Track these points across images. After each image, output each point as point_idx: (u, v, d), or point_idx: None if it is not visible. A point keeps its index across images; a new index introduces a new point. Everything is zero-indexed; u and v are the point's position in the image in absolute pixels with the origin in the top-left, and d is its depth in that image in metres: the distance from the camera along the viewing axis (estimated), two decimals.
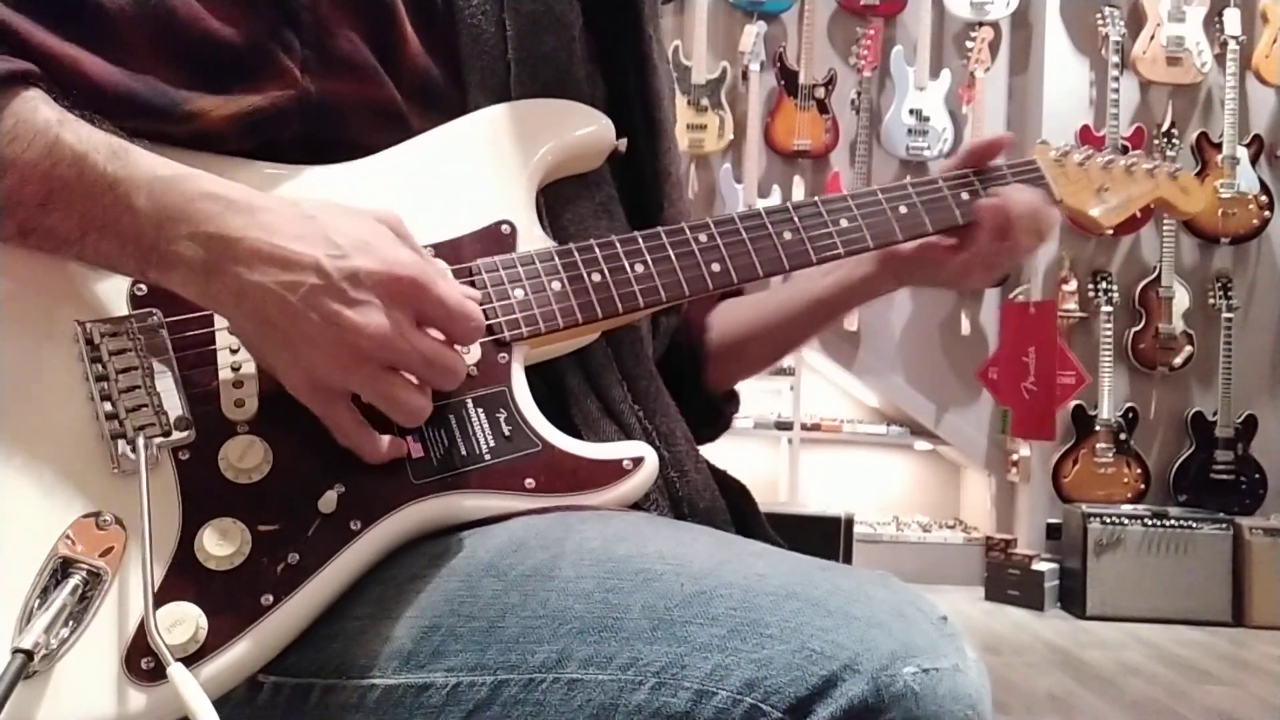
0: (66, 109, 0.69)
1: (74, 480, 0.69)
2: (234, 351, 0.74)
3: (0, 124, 0.67)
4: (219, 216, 0.68)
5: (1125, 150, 4.72)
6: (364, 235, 0.69)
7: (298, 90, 0.79)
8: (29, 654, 0.63)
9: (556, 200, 0.88)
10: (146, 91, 0.74)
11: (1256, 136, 4.90)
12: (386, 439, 0.73)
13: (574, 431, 0.82)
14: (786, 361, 5.15)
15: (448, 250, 0.81)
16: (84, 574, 0.67)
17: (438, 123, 0.85)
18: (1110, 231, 4.82)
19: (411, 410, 0.71)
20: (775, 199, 4.90)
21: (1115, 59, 4.76)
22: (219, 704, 0.69)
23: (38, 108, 0.68)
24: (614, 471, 0.78)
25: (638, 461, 0.79)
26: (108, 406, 0.71)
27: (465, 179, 0.84)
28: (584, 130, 0.89)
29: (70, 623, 0.66)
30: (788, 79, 4.96)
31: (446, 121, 0.85)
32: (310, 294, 0.67)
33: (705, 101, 4.90)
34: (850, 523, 3.11)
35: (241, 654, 0.68)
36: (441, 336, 0.72)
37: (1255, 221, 4.85)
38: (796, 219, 0.91)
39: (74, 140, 0.68)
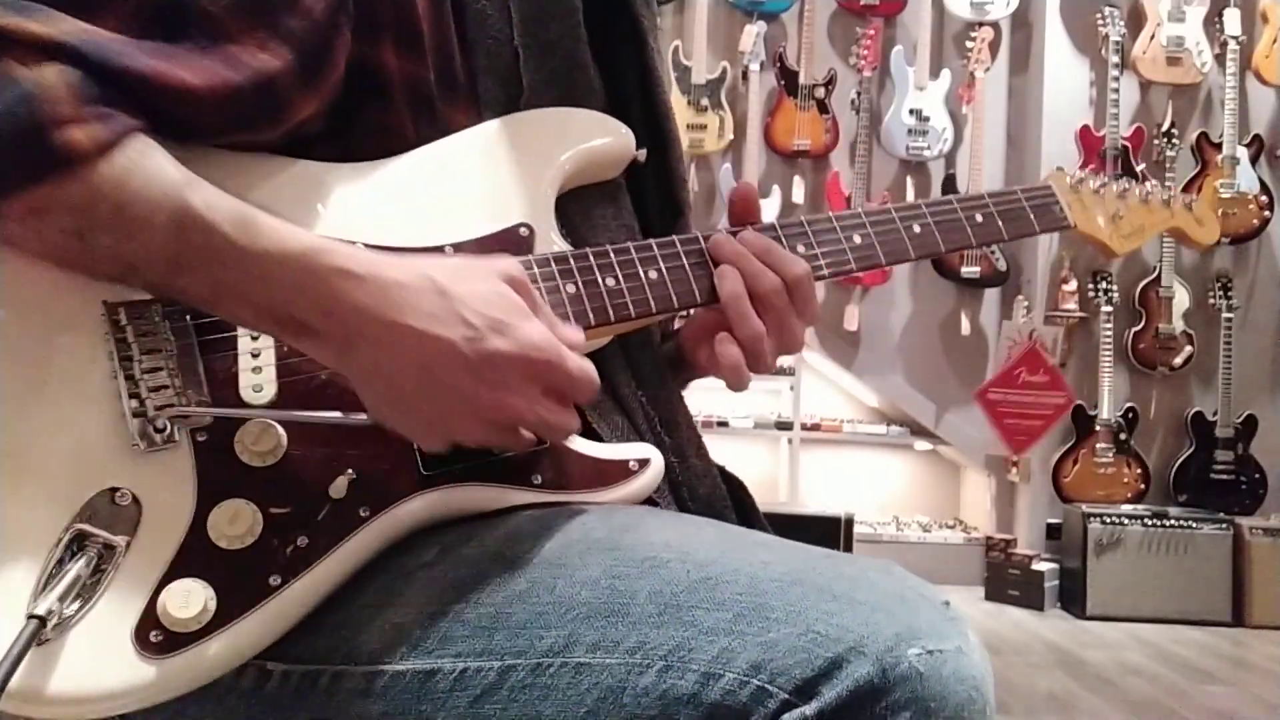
0: (189, 171, 0.69)
1: (94, 456, 0.71)
2: (254, 338, 0.75)
3: (125, 181, 0.66)
4: (351, 295, 0.68)
5: (1126, 152, 4.74)
6: (497, 314, 0.70)
7: (351, 64, 0.79)
8: (42, 620, 0.64)
9: (569, 201, 0.89)
10: (250, 90, 0.72)
11: (1256, 136, 4.90)
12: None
13: (580, 414, 0.83)
14: (786, 361, 5.16)
15: (467, 250, 0.82)
16: (99, 547, 0.68)
17: (453, 107, 0.86)
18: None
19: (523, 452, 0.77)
20: (775, 199, 4.91)
21: (1115, 59, 4.76)
22: (227, 693, 0.70)
23: (161, 165, 0.68)
24: (620, 471, 0.80)
25: (644, 463, 0.81)
26: (130, 385, 0.72)
27: (488, 182, 0.85)
28: (606, 140, 0.90)
29: (83, 594, 0.67)
30: (788, 79, 4.97)
31: (462, 105, 0.86)
32: (448, 374, 0.69)
33: (705, 101, 4.91)
34: (850, 523, 3.12)
35: (247, 632, 0.69)
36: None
37: (1255, 221, 4.86)
38: (810, 234, 0.92)
39: (202, 207, 0.68)
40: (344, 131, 0.81)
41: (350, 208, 0.80)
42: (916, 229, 0.96)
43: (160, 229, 0.67)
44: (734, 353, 0.85)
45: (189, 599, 0.68)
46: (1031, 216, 1.02)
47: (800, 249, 0.90)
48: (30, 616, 0.64)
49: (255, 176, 0.78)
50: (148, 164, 0.68)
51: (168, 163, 0.69)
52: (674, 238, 0.87)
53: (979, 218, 0.99)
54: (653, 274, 0.85)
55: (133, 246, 0.67)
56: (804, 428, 5.15)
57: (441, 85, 0.85)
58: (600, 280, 0.83)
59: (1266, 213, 4.86)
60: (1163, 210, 1.12)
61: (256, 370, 0.74)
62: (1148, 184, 1.13)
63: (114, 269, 0.70)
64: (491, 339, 0.69)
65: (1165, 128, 4.83)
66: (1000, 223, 1.00)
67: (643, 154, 0.93)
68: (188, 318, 0.74)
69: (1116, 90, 4.75)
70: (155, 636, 0.67)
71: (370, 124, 0.82)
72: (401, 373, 0.69)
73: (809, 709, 0.60)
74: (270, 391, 0.74)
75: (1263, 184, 4.87)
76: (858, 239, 0.93)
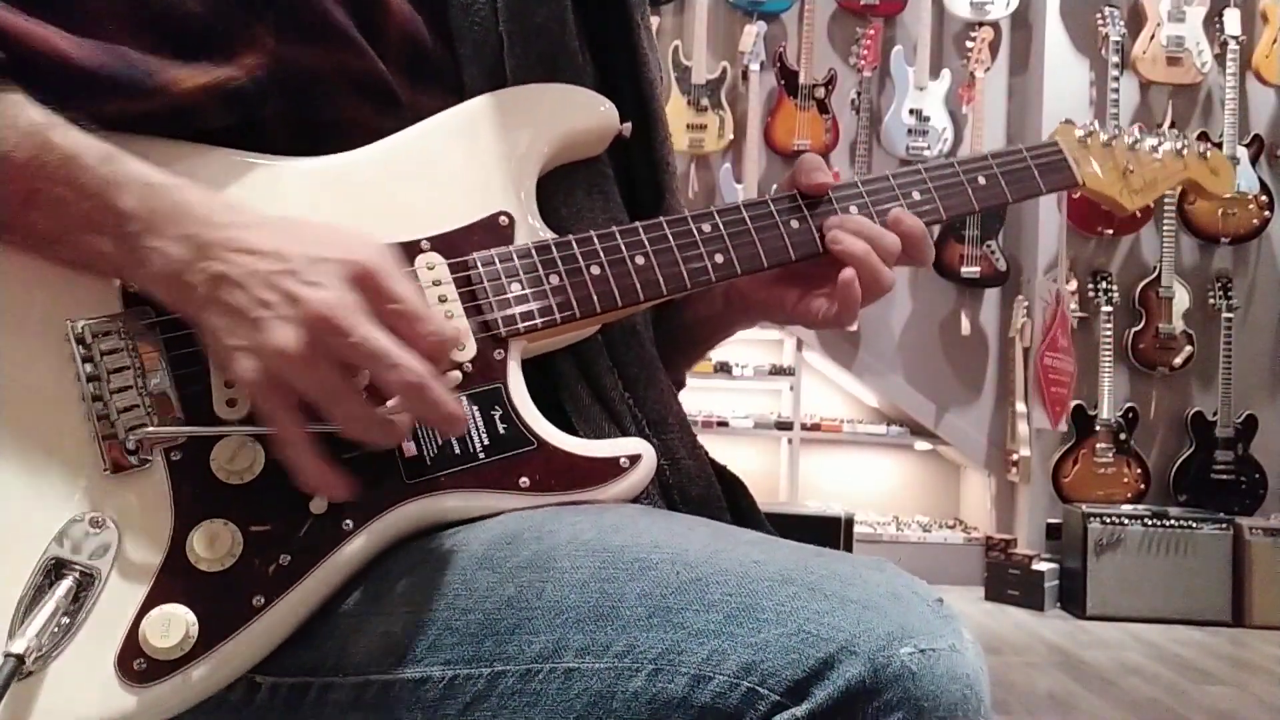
0: (53, 111, 0.70)
1: (67, 481, 0.69)
2: None
3: None
4: (202, 220, 0.69)
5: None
6: (332, 234, 0.70)
7: (271, 60, 0.78)
8: (20, 658, 0.63)
9: (551, 185, 0.86)
10: (117, 64, 0.73)
11: (1256, 136, 4.90)
12: (321, 469, 0.69)
13: (563, 417, 0.82)
14: (786, 361, 5.15)
15: (444, 243, 0.79)
16: (77, 575, 0.67)
17: (431, 95, 0.84)
18: (1110, 231, 4.84)
19: (348, 413, 0.68)
20: None
21: (1115, 59, 4.76)
22: (217, 707, 0.70)
23: (22, 109, 0.69)
24: (610, 469, 0.78)
25: (635, 459, 0.78)
26: (100, 407, 0.70)
27: (463, 169, 0.82)
28: (587, 116, 0.87)
29: (63, 624, 0.66)
30: (788, 79, 4.96)
31: (441, 94, 0.84)
32: (270, 276, 0.67)
33: (705, 101, 4.91)
34: (850, 523, 3.11)
35: (232, 655, 0.68)
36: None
37: (1255, 221, 4.86)
38: (804, 207, 0.89)
39: (63, 141, 0.69)
40: (288, 129, 0.80)
41: (318, 204, 0.78)
42: (916, 195, 0.93)
43: (17, 167, 0.68)
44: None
45: (170, 626, 0.67)
46: (1037, 176, 0.98)
47: (794, 224, 0.88)
48: (7, 655, 0.63)
49: (214, 172, 0.76)
50: (7, 104, 0.69)
51: (29, 104, 0.69)
52: (660, 219, 0.84)
53: (981, 180, 0.95)
54: (639, 260, 0.82)
55: None
56: (804, 428, 5.15)
57: (411, 76, 0.83)
58: (585, 269, 0.80)
59: (1266, 213, 4.86)
60: (1175, 162, 1.07)
61: (229, 384, 0.72)
62: (1160, 134, 1.08)
63: None
64: (317, 247, 0.68)
65: (1165, 128, 4.83)
66: (1004, 184, 0.96)
67: (627, 128, 0.90)
68: (156, 330, 0.73)
69: (1116, 90, 4.74)
70: (138, 665, 0.66)
71: (316, 119, 0.80)
72: (230, 282, 0.68)
73: (800, 710, 0.59)
74: (244, 406, 0.72)
75: (1263, 184, 4.87)
76: (854, 209, 0.90)
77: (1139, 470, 4.82)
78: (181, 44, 0.76)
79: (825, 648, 0.60)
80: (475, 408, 0.77)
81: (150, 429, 0.70)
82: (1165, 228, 4.78)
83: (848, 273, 0.87)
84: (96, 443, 0.70)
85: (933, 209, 0.93)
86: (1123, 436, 4.81)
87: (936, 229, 4.76)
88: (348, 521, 0.72)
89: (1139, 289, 4.89)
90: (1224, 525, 4.53)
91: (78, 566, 0.67)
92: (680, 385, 1.01)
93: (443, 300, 0.78)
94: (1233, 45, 4.75)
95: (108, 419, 0.70)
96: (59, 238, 0.70)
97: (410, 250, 0.78)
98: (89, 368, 0.71)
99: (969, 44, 4.90)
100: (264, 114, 0.79)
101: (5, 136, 0.68)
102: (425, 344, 0.69)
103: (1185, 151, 1.08)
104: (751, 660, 0.60)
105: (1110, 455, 4.78)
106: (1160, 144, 1.06)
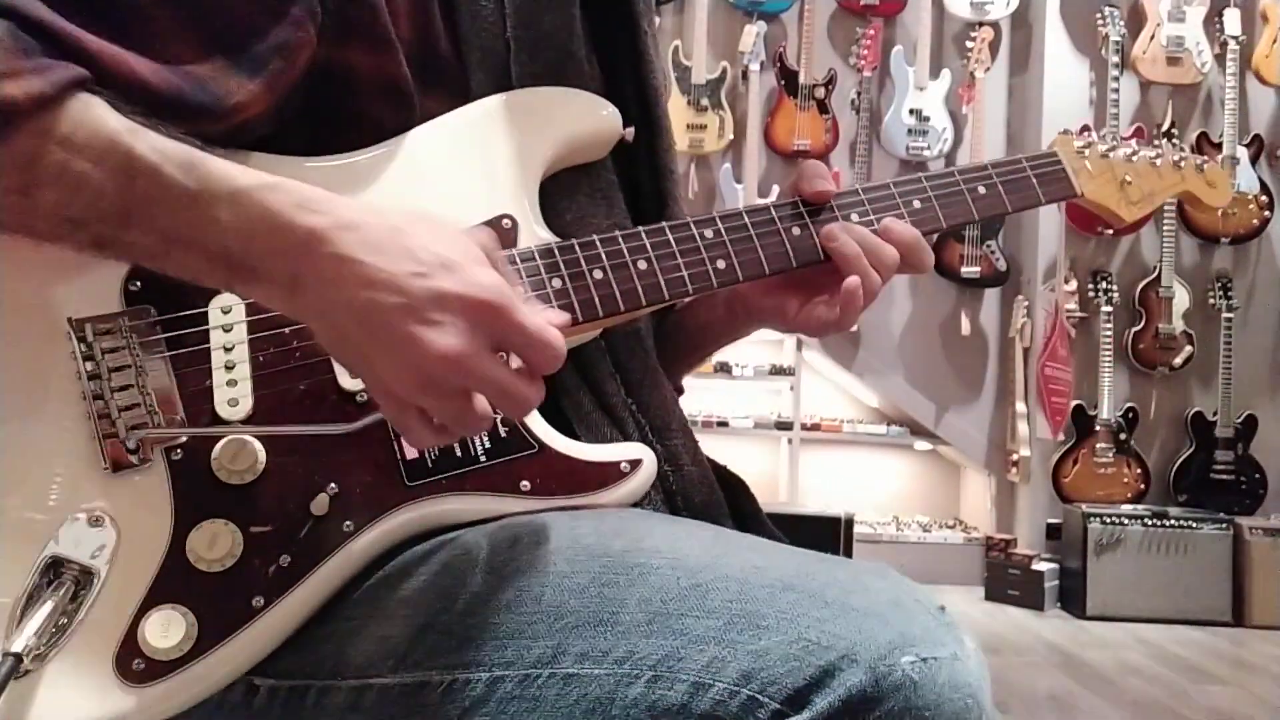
0: (130, 115, 0.66)
1: (67, 479, 0.69)
2: (228, 350, 0.73)
3: (69, 135, 0.64)
4: (304, 232, 0.64)
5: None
6: (448, 254, 0.65)
7: (316, 59, 0.76)
8: (19, 657, 0.63)
9: (555, 189, 0.87)
10: (192, 89, 0.71)
11: (1256, 136, 4.89)
12: (439, 436, 0.68)
13: (566, 424, 0.82)
14: (786, 361, 5.15)
15: None
16: (75, 573, 0.67)
17: (440, 99, 0.84)
18: (1110, 231, 4.84)
19: (476, 431, 0.68)
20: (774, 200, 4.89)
21: (1115, 59, 4.75)
22: (215, 708, 0.70)
23: (102, 116, 0.65)
24: (611, 473, 0.78)
25: (635, 464, 0.79)
26: (100, 405, 0.70)
27: (467, 171, 0.83)
28: (590, 119, 0.87)
29: (62, 623, 0.66)
30: (788, 79, 4.96)
31: (448, 98, 0.84)
32: (389, 312, 0.63)
33: (705, 101, 4.90)
34: (850, 523, 3.11)
35: (231, 656, 0.68)
36: (519, 364, 0.67)
37: (1255, 221, 4.85)
38: (806, 214, 0.89)
39: (148, 152, 0.65)
40: (310, 124, 0.79)
41: None
42: (917, 204, 0.93)
43: (107, 182, 0.64)
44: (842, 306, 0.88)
45: (169, 627, 0.67)
46: (1037, 186, 0.98)
47: (796, 231, 0.88)
48: (5, 654, 0.63)
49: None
50: (90, 116, 0.65)
51: (109, 113, 0.65)
52: (663, 224, 0.84)
53: (981, 189, 0.96)
54: (641, 264, 0.82)
55: (79, 201, 0.64)
56: (804, 428, 5.14)
57: (421, 79, 0.82)
58: (587, 273, 0.80)
59: (1266, 213, 4.85)
60: (1173, 173, 1.07)
61: (232, 383, 0.73)
62: (1157, 145, 1.08)
63: (59, 227, 0.65)
64: (437, 276, 0.63)
65: (1165, 128, 4.82)
66: (1004, 194, 0.96)
67: (630, 132, 0.90)
68: (158, 329, 0.73)
69: (1116, 90, 4.73)
70: (137, 665, 0.67)
71: (340, 117, 0.80)
72: (346, 311, 0.63)
73: (800, 719, 0.59)
74: (246, 405, 0.73)
75: (1263, 184, 4.86)
76: (855, 217, 0.90)
77: (1139, 470, 4.81)
78: (243, 52, 0.73)
79: (826, 656, 0.60)
80: None
81: (151, 430, 0.70)
82: (1165, 228, 4.78)
83: (852, 280, 0.87)
84: (97, 441, 0.70)
85: (933, 217, 0.93)
86: (1123, 436, 4.80)
87: (935, 235, 4.75)
88: (348, 523, 0.72)
89: (1139, 289, 4.88)
90: (1224, 525, 4.52)
91: (76, 565, 0.67)
92: (678, 391, 1.01)
93: None
94: (1233, 45, 4.75)
95: (108, 417, 0.70)
96: (163, 253, 0.66)
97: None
98: (90, 366, 0.71)
99: (969, 44, 4.89)
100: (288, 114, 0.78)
101: (90, 147, 0.64)
102: (547, 365, 0.67)
103: (1183, 164, 1.08)
104: (752, 668, 0.60)
105: (1110, 455, 4.78)
106: (1158, 155, 1.06)
